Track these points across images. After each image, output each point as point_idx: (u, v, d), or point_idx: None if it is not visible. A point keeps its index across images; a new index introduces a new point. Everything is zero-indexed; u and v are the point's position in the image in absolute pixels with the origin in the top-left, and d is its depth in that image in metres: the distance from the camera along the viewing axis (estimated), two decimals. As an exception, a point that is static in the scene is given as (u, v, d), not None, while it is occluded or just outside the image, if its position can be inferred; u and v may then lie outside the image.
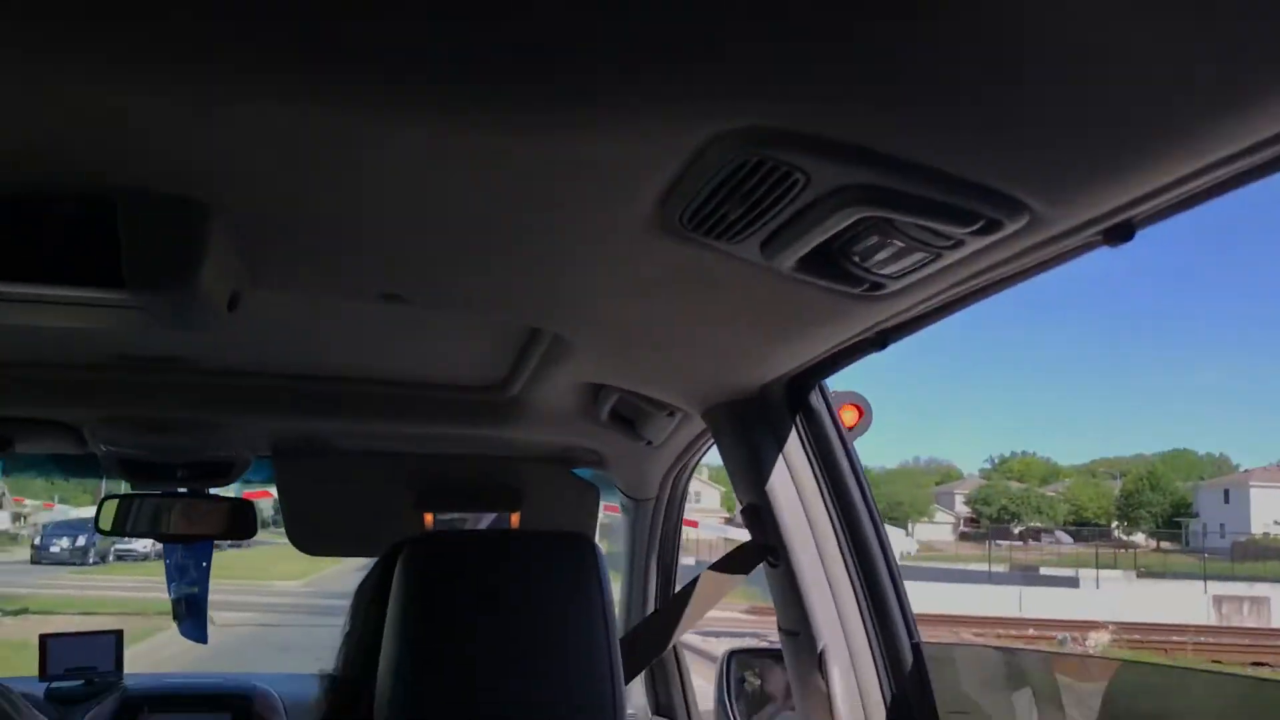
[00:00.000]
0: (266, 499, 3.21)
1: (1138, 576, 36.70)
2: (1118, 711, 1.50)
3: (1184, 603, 26.73)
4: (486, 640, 1.19)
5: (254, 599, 18.74)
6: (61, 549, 25.75)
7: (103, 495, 2.60)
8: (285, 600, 18.72)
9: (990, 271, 1.04)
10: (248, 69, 0.77)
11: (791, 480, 1.62)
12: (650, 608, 2.58)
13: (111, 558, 26.32)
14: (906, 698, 1.56)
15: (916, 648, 1.58)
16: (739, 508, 1.75)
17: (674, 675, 2.74)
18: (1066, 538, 55.93)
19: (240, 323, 1.34)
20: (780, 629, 1.72)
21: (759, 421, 1.63)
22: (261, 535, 2.54)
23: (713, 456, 2.03)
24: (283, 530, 2.31)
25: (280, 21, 0.70)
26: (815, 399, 1.62)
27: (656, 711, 2.75)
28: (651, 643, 1.71)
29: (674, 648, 2.71)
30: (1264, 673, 17.96)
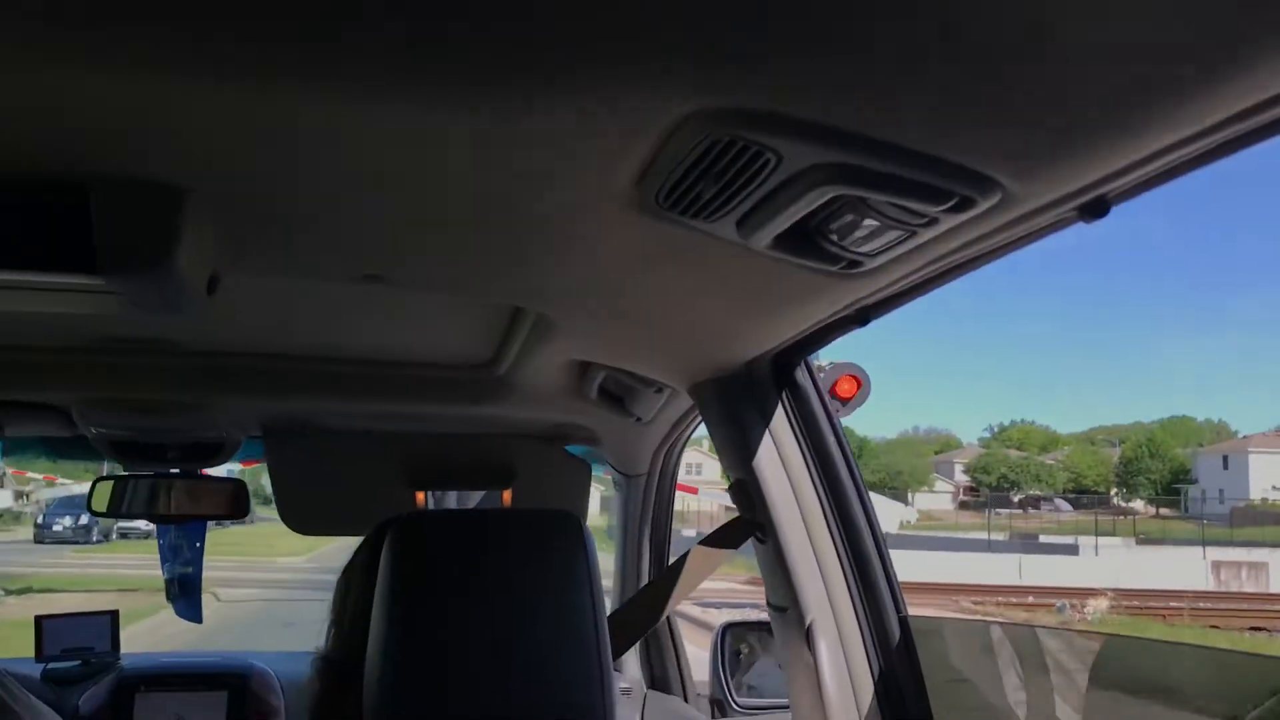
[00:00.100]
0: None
1: (1137, 543, 36.91)
2: (1102, 684, 1.51)
3: (1183, 569, 26.90)
4: (474, 619, 1.20)
5: (258, 575, 18.86)
6: (64, 528, 25.85)
7: (104, 473, 2.61)
8: (289, 576, 18.83)
9: (967, 248, 1.04)
10: (218, 52, 0.76)
11: (778, 456, 1.62)
12: (644, 582, 2.59)
13: (114, 536, 26.43)
14: (894, 671, 1.57)
15: (903, 622, 1.58)
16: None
17: (668, 648, 2.77)
18: (1066, 505, 56.24)
19: (224, 305, 1.33)
20: (769, 604, 1.73)
21: (745, 398, 1.63)
22: (264, 512, 2.56)
23: (709, 429, 2.04)
24: (284, 508, 2.32)
25: (252, 4, 0.69)
26: (801, 375, 1.62)
27: (652, 684, 2.78)
28: (642, 617, 1.72)
29: (668, 621, 2.73)
30: (1261, 637, 18.12)
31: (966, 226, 0.95)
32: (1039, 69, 0.71)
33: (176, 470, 2.47)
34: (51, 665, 2.82)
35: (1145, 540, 38.31)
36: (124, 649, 2.96)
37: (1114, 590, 21.16)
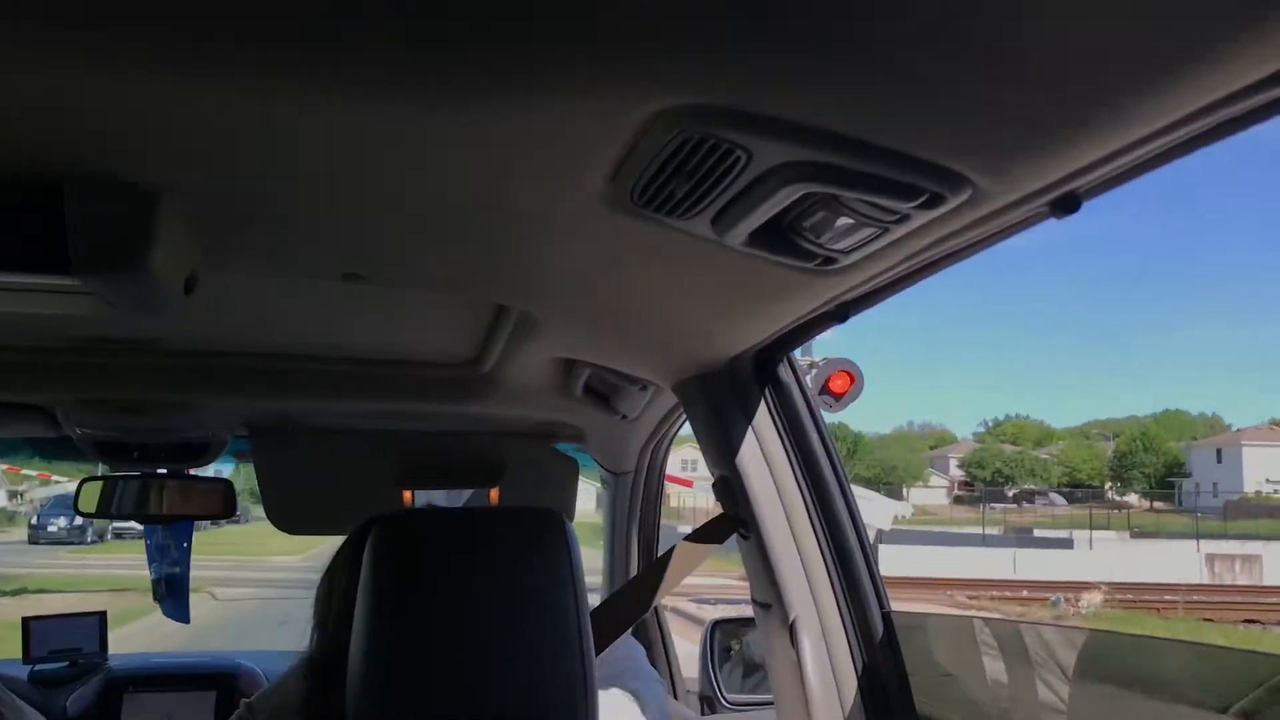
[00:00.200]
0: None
1: (1131, 537, 37.05)
2: (1088, 678, 1.51)
3: (1177, 562, 26.97)
4: (456, 618, 1.19)
5: (253, 574, 18.86)
6: (59, 528, 25.80)
7: (93, 474, 2.61)
8: (283, 575, 18.81)
9: (941, 244, 1.04)
10: (189, 52, 0.76)
11: (761, 453, 1.62)
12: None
13: (109, 536, 26.38)
14: (877, 666, 1.57)
15: (887, 617, 1.59)
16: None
17: (657, 645, 2.77)
18: (1060, 499, 56.36)
19: (206, 304, 1.33)
20: (753, 601, 1.73)
21: (728, 394, 1.63)
22: (259, 511, 2.56)
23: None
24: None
25: (226, 5, 0.69)
26: (784, 371, 1.62)
27: (641, 681, 2.77)
28: (626, 610, 1.72)
29: (658, 618, 2.74)
30: (1255, 629, 18.17)
31: (939, 223, 0.96)
32: (1004, 67, 0.71)
33: (164, 470, 2.47)
34: (39, 667, 2.82)
35: (1139, 534, 38.46)
36: (119, 649, 2.96)
37: (1108, 584, 21.22)
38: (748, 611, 1.89)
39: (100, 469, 2.71)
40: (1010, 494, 58.97)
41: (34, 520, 26.64)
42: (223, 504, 2.53)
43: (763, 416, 1.62)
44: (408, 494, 2.30)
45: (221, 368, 1.95)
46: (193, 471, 2.56)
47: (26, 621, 2.86)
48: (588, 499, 2.90)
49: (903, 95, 0.76)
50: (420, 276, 1.40)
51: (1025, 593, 21.60)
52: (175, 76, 0.79)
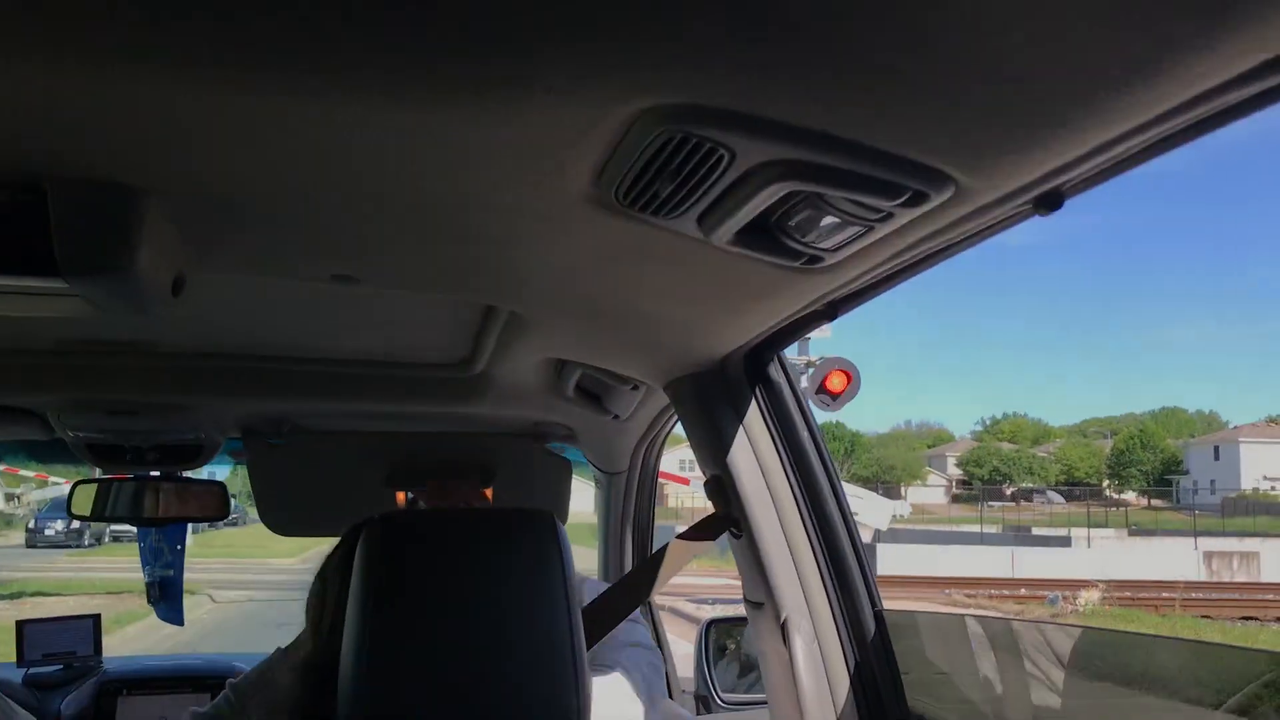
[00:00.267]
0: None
1: (1129, 534, 37.05)
2: (1082, 675, 1.52)
3: (1175, 559, 26.98)
4: (447, 619, 1.19)
5: (251, 577, 18.85)
6: (56, 532, 25.77)
7: (85, 476, 2.61)
8: (280, 578, 18.82)
9: (926, 242, 1.05)
10: (175, 52, 0.76)
11: (752, 452, 1.62)
12: (626, 580, 2.59)
13: (107, 539, 26.35)
14: (869, 664, 1.57)
15: (879, 615, 1.59)
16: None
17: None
18: (1058, 497, 56.40)
19: (196, 306, 1.32)
20: (745, 599, 1.73)
21: (719, 394, 1.63)
22: (256, 514, 2.56)
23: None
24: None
25: (209, 3, 0.69)
26: (774, 370, 1.62)
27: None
28: (618, 606, 1.72)
29: (653, 619, 2.73)
30: (1253, 626, 18.18)
31: (922, 221, 0.96)
32: (983, 65, 0.71)
33: (157, 473, 2.46)
34: (33, 670, 2.81)
35: (1137, 531, 38.47)
36: (118, 652, 2.96)
37: (1106, 581, 21.21)
38: (744, 611, 1.89)
39: (99, 472, 2.71)
40: (1008, 492, 59.02)
41: (31, 524, 26.60)
42: (216, 506, 2.53)
43: (754, 415, 1.62)
44: (401, 495, 2.30)
45: (213, 370, 1.95)
46: (187, 474, 2.56)
47: (20, 625, 2.85)
48: (587, 500, 2.90)
49: (883, 94, 0.77)
50: (409, 277, 1.40)
51: (1023, 591, 21.59)
52: (158, 76, 0.79)
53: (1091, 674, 1.53)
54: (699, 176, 0.90)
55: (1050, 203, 0.91)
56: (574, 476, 2.56)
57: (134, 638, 11.39)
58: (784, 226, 1.00)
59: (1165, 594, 20.61)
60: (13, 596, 15.79)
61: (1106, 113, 0.74)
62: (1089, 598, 19.99)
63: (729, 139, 0.84)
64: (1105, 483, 62.18)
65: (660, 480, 2.73)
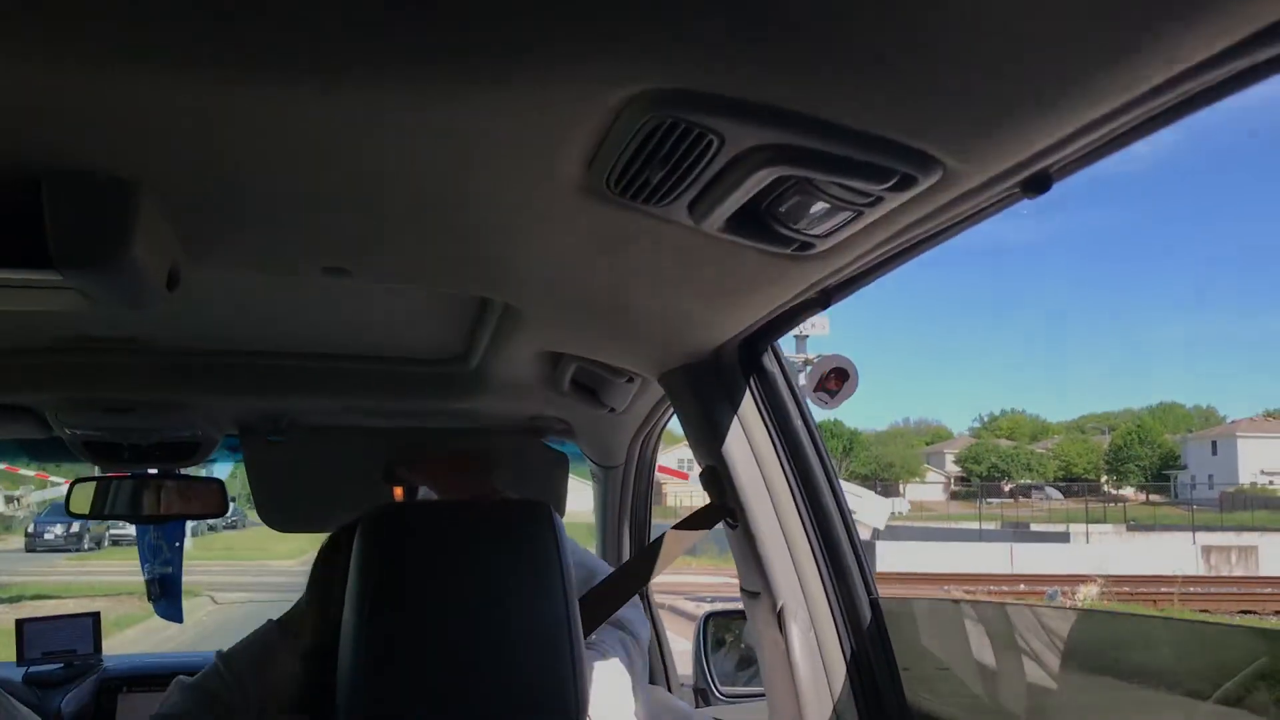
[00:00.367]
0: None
1: (1127, 530, 37.06)
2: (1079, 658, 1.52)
3: (1173, 554, 26.97)
4: (445, 610, 1.20)
5: (251, 579, 18.86)
6: (55, 536, 25.77)
7: (84, 475, 2.60)
8: (280, 579, 18.81)
9: (917, 227, 1.05)
10: (170, 47, 0.76)
11: (747, 442, 1.63)
12: (624, 575, 2.60)
13: (106, 542, 26.34)
14: (865, 652, 1.58)
15: (875, 604, 1.60)
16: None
17: (651, 638, 2.77)
18: (1056, 493, 56.44)
19: (191, 301, 1.33)
20: (742, 589, 1.74)
21: (713, 385, 1.64)
22: (257, 517, 2.56)
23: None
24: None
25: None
26: (769, 361, 1.63)
27: (637, 675, 2.78)
28: (614, 597, 1.73)
29: (651, 614, 2.74)
30: (1251, 619, 18.20)
31: (912, 205, 0.96)
32: (968, 46, 0.72)
33: (154, 470, 2.47)
34: (33, 669, 2.82)
35: (1136, 526, 38.47)
36: (120, 653, 2.96)
37: (1105, 577, 21.22)
38: (742, 605, 1.90)
39: (99, 471, 2.71)
40: (1006, 489, 59.02)
41: (30, 528, 26.58)
42: (215, 503, 2.53)
43: (748, 406, 1.63)
44: (398, 490, 2.30)
45: (210, 366, 1.96)
46: (186, 471, 2.57)
47: (20, 624, 2.86)
48: (585, 500, 2.90)
49: (869, 77, 0.77)
50: (402, 270, 1.40)
51: (1022, 586, 21.58)
52: (154, 71, 0.79)
53: (1086, 657, 1.54)
54: (689, 162, 0.91)
55: (1038, 185, 0.91)
56: (571, 477, 2.56)
57: (134, 640, 11.39)
58: (774, 213, 1.01)
59: (1164, 588, 20.61)
60: (12, 600, 15.78)
61: (1091, 91, 0.75)
62: (1087, 593, 20.00)
63: (718, 124, 0.85)
64: (1103, 479, 62.21)
65: (659, 479, 2.73)
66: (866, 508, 13.95)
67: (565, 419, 2.35)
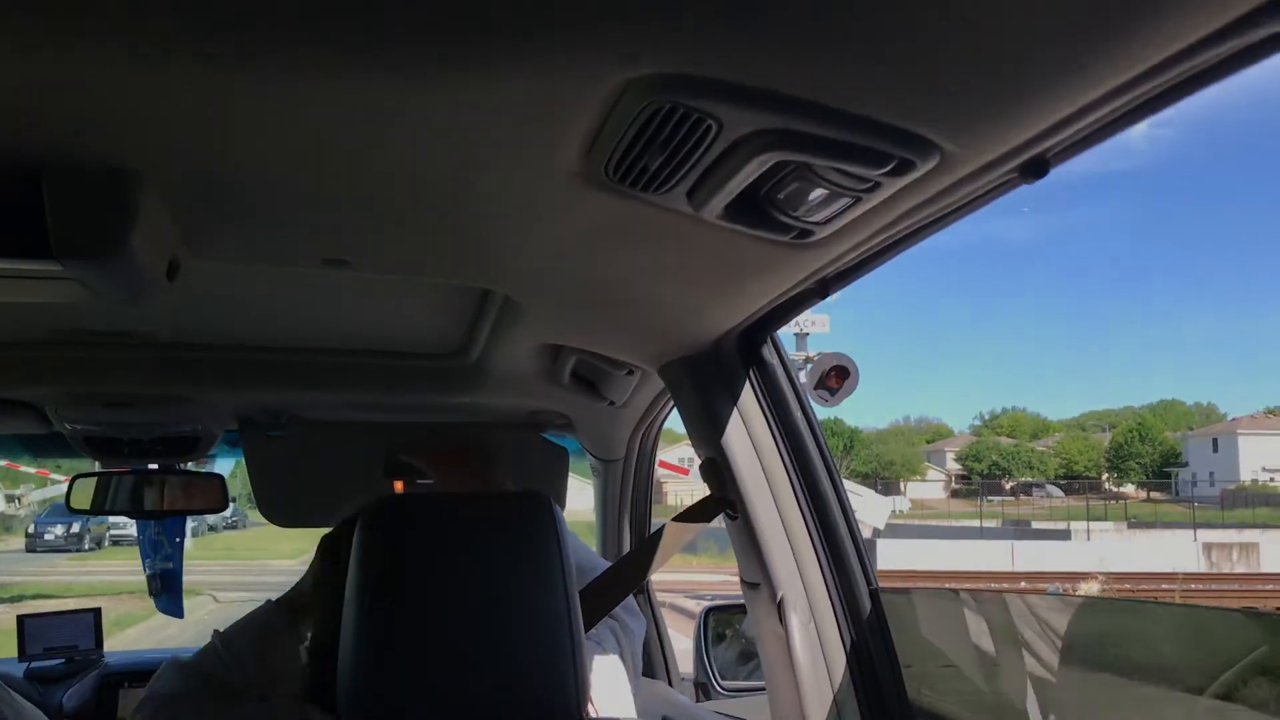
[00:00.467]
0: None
1: (1128, 527, 37.06)
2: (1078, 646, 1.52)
3: (1175, 551, 26.98)
4: (445, 602, 1.20)
5: (251, 579, 18.86)
6: (56, 536, 25.77)
7: (85, 471, 2.61)
8: (280, 579, 18.77)
9: (915, 213, 1.05)
10: (168, 35, 0.76)
11: (747, 433, 1.63)
12: (625, 569, 2.60)
13: (107, 542, 26.34)
14: (865, 642, 1.59)
15: (874, 594, 1.60)
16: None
17: (651, 633, 2.77)
18: (1057, 491, 56.46)
19: (190, 294, 1.33)
20: (742, 581, 1.74)
21: (713, 376, 1.64)
22: (257, 517, 2.56)
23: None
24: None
25: None
26: (768, 352, 1.63)
27: (636, 670, 2.78)
28: (615, 589, 1.73)
29: (652, 608, 2.74)
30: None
31: (910, 191, 0.97)
32: (964, 28, 0.72)
33: (155, 466, 2.47)
34: (35, 664, 2.82)
35: (1137, 524, 38.47)
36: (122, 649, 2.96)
37: (1106, 574, 21.22)
38: (742, 599, 1.90)
39: (99, 468, 2.71)
40: (1007, 486, 59.07)
41: (30, 529, 26.58)
42: (215, 498, 2.53)
43: (748, 397, 1.63)
44: (398, 485, 2.31)
45: (209, 361, 1.96)
46: (188, 466, 2.57)
47: (21, 620, 2.86)
48: (586, 499, 2.90)
49: (867, 60, 0.77)
50: (401, 261, 1.40)
51: (1023, 584, 21.57)
52: (153, 61, 0.80)
53: (1086, 645, 1.54)
54: (688, 148, 0.91)
55: (1035, 170, 0.92)
56: (572, 475, 2.56)
57: (135, 639, 11.38)
58: (773, 200, 1.01)
59: (1165, 585, 20.61)
60: (13, 599, 15.79)
61: (1086, 73, 0.75)
62: (1089, 590, 19.99)
63: (716, 109, 0.85)
64: (1104, 476, 62.23)
65: (658, 477, 2.73)
66: (867, 507, 13.94)
67: (565, 413, 2.36)
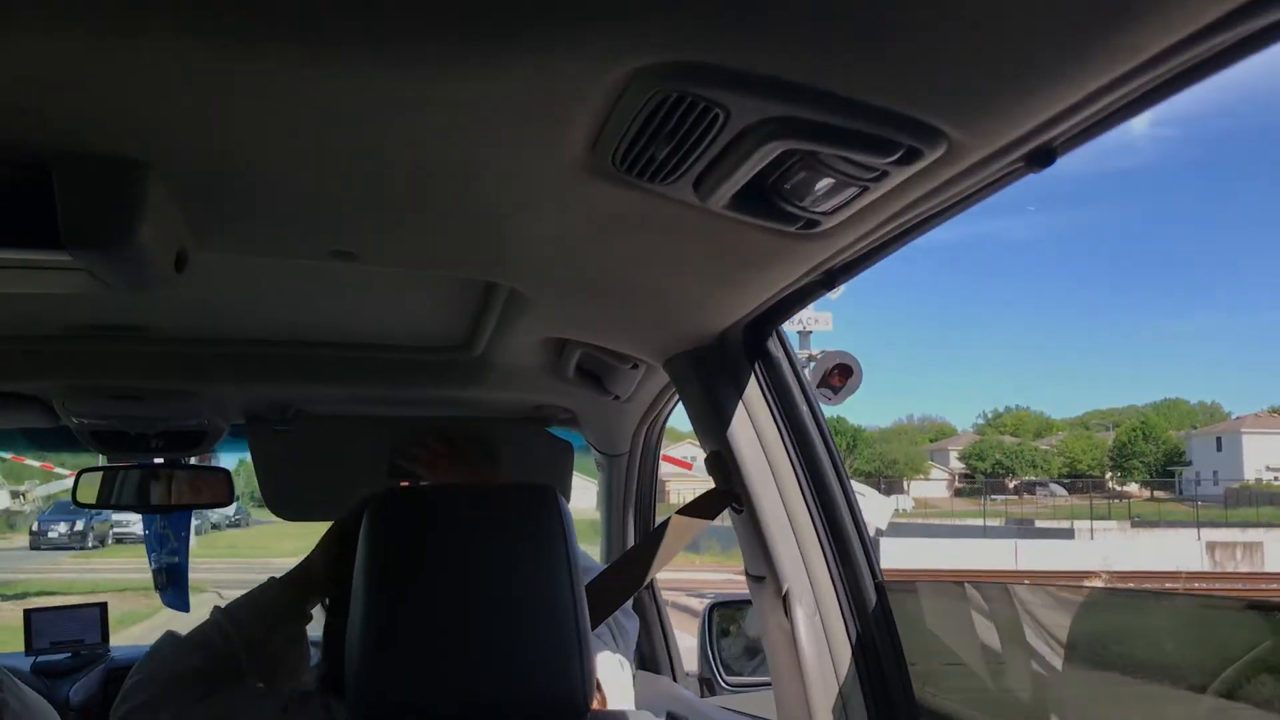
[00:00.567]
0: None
1: (1132, 526, 37.03)
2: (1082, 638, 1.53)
3: (1178, 550, 26.97)
4: (451, 594, 1.20)
5: (254, 576, 18.85)
6: (59, 534, 25.81)
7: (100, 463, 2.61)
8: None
9: (921, 203, 1.05)
10: (177, 27, 0.77)
11: (752, 427, 1.63)
12: (630, 564, 2.60)
13: (110, 540, 26.37)
14: (871, 635, 1.58)
15: (879, 587, 1.60)
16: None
17: (656, 630, 2.78)
18: (1061, 490, 56.39)
19: (198, 287, 1.33)
20: (747, 574, 1.74)
21: (718, 369, 1.64)
22: (260, 515, 2.57)
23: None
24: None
25: None
26: (774, 345, 1.63)
27: (641, 665, 2.79)
28: (621, 584, 1.73)
29: (656, 604, 2.75)
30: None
31: (917, 181, 0.96)
32: (971, 15, 0.72)
33: (161, 460, 2.48)
34: (41, 658, 2.83)
35: (1140, 523, 38.43)
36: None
37: (1109, 572, 21.21)
38: (748, 594, 1.90)
39: (102, 462, 2.72)
40: (1011, 485, 59.02)
41: (34, 526, 26.62)
42: (221, 492, 2.54)
43: (753, 390, 1.63)
44: (403, 484, 2.31)
45: (216, 355, 1.96)
46: (192, 460, 2.58)
47: (28, 614, 2.87)
48: (589, 498, 2.91)
49: (874, 47, 0.77)
50: (407, 253, 1.41)
51: (1027, 582, 21.57)
52: (160, 51, 0.80)
53: (1089, 637, 1.55)
54: (695, 137, 0.91)
55: (1042, 159, 0.91)
56: (576, 474, 2.57)
57: (139, 637, 11.39)
58: (780, 189, 1.01)
59: (1168, 584, 20.59)
60: (17, 596, 15.82)
61: (1091, 61, 0.75)
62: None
63: (723, 97, 0.85)
64: (1108, 475, 62.18)
65: (661, 475, 2.73)
66: (870, 508, 13.92)
67: (570, 407, 2.36)
